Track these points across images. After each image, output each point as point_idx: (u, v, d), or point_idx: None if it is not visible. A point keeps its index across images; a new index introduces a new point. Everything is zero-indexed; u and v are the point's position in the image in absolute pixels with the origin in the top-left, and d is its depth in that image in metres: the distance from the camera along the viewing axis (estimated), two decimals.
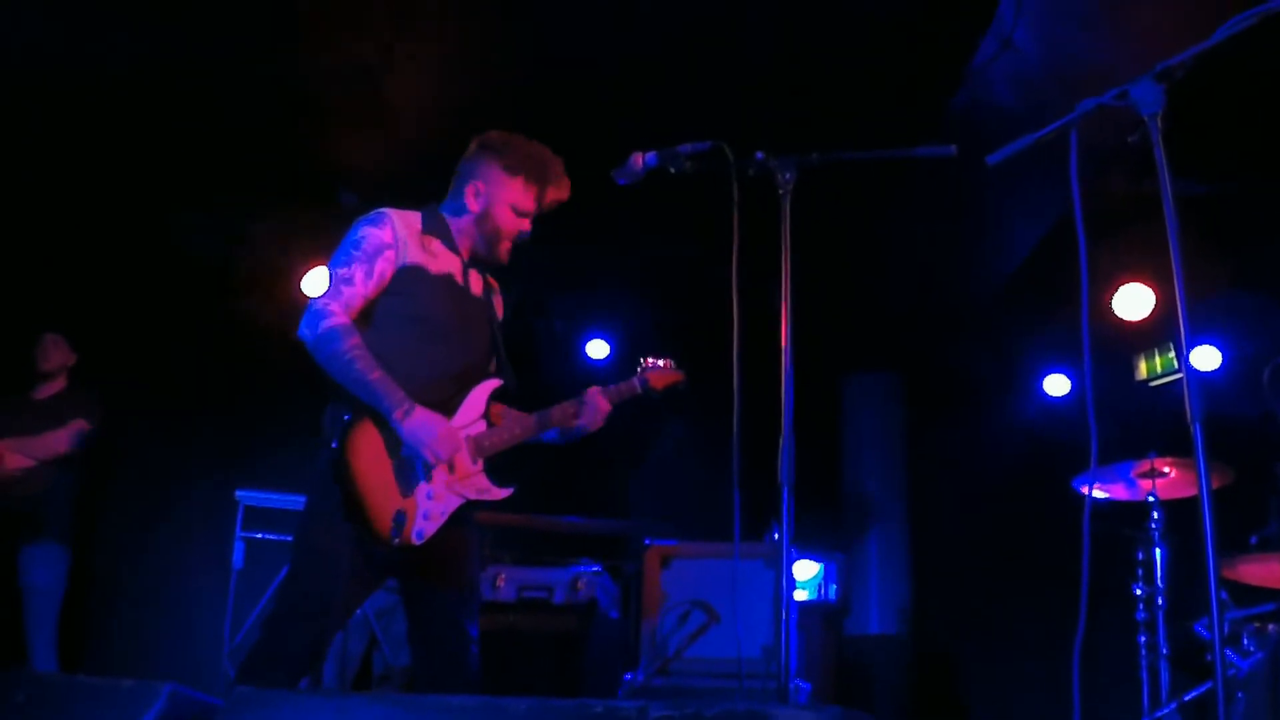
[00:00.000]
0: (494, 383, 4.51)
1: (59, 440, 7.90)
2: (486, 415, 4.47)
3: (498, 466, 4.47)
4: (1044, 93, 7.04)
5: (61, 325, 8.32)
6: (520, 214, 4.55)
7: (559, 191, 4.62)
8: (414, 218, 4.54)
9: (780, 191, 4.14)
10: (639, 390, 4.75)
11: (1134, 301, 9.48)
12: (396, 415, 4.15)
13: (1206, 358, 9.38)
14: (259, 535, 6.98)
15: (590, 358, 9.61)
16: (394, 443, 4.22)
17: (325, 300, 4.28)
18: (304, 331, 4.30)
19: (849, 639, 9.11)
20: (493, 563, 7.35)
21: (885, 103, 7.79)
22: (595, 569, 7.59)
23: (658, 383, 4.82)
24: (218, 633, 7.00)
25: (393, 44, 7.47)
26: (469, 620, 4.43)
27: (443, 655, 4.38)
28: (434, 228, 4.55)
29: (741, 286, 4.24)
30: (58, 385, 8.26)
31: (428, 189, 4.50)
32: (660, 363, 4.86)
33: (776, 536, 3.89)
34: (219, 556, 7.10)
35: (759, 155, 4.18)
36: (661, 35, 6.64)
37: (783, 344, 4.04)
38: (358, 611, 7.35)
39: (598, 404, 4.59)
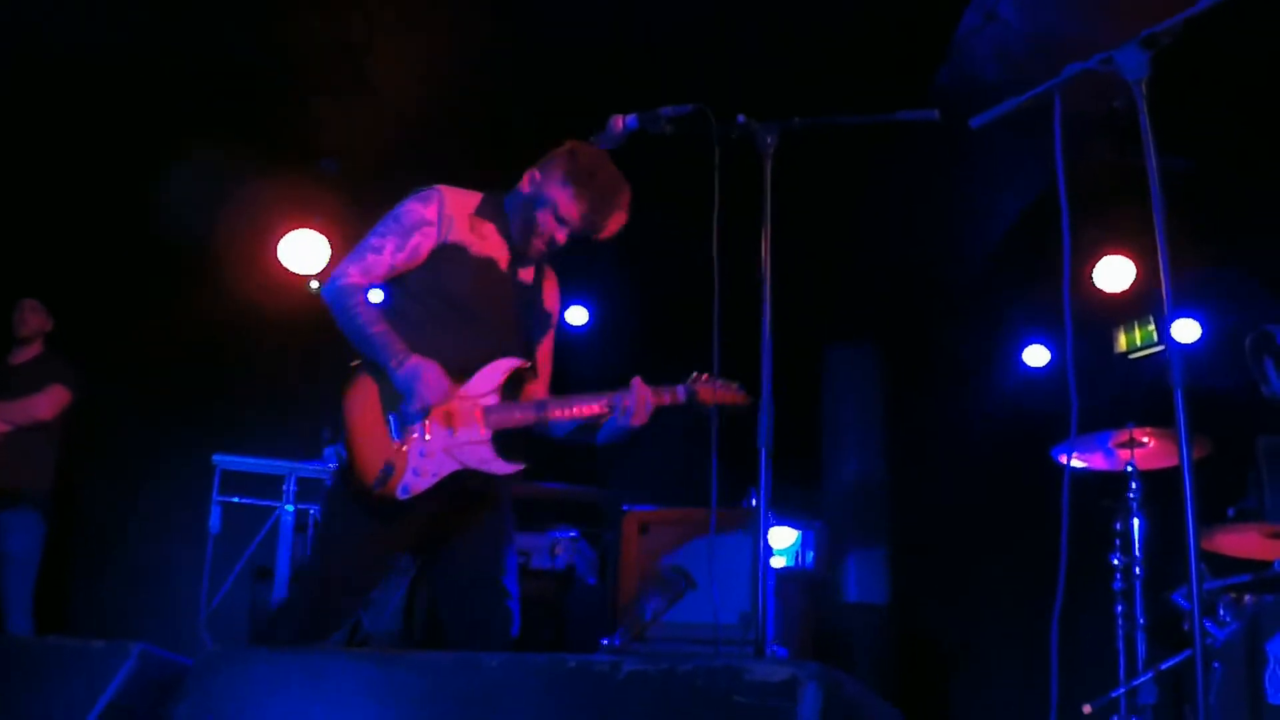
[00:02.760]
0: (515, 361, 4.45)
1: (36, 406, 7.87)
2: (506, 391, 4.42)
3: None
4: (1028, 65, 7.04)
5: (38, 290, 8.28)
6: (560, 220, 4.47)
7: (606, 220, 4.50)
8: (470, 199, 4.53)
9: (762, 156, 4.12)
10: (681, 400, 4.55)
11: (1114, 274, 9.52)
12: (392, 364, 4.18)
13: (1187, 330, 9.41)
14: (235, 500, 6.95)
15: (569, 324, 9.60)
16: (394, 396, 4.22)
17: (345, 264, 4.40)
18: (324, 293, 4.43)
19: (828, 606, 9.13)
20: None
21: (870, 73, 7.79)
22: (573, 535, 7.59)
23: (708, 397, 4.57)
24: (195, 597, 6.97)
25: (377, 12, 7.45)
26: (502, 563, 4.44)
27: (468, 602, 4.40)
28: (489, 213, 4.55)
29: (722, 252, 4.22)
30: (34, 350, 8.20)
31: (409, 158, 4.48)
32: (720, 380, 4.59)
33: (754, 503, 3.88)
34: (196, 521, 7.07)
35: (741, 119, 4.16)
36: (647, 3, 6.63)
37: (763, 312, 4.03)
38: None
39: (642, 393, 4.41)
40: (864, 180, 9.13)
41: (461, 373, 4.31)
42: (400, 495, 4.15)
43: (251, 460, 7.00)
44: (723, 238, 4.20)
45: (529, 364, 4.55)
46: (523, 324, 4.59)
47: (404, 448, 4.18)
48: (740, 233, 4.24)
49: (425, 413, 4.21)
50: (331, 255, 9.05)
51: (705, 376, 4.57)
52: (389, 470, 4.13)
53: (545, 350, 4.75)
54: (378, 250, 4.36)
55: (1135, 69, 3.20)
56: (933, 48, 7.54)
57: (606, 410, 4.41)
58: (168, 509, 8.65)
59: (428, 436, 4.22)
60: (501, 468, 4.32)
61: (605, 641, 6.70)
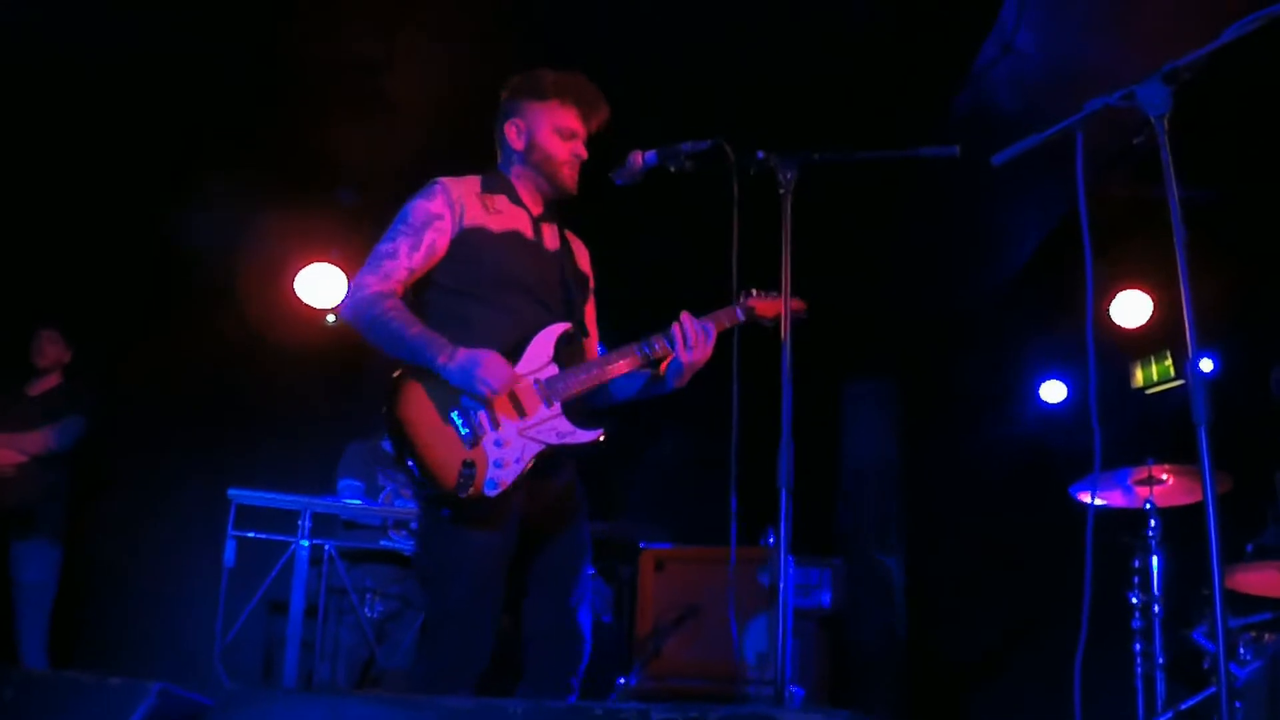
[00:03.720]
0: (561, 326, 4.31)
1: (53, 437, 7.86)
2: (563, 357, 4.28)
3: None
4: (1045, 96, 7.04)
5: (57, 321, 8.29)
6: (566, 135, 4.43)
7: (598, 106, 4.48)
8: (472, 181, 4.44)
9: (781, 191, 4.11)
10: (740, 319, 4.46)
11: (1131, 309, 9.51)
12: (440, 361, 4.03)
13: (1203, 364, 9.37)
14: (250, 534, 6.93)
15: None
16: (450, 395, 4.07)
17: (360, 276, 4.24)
18: (343, 311, 4.26)
19: (846, 645, 9.08)
20: None
21: (888, 105, 7.79)
22: (589, 572, 7.57)
23: (767, 310, 4.52)
24: (210, 631, 6.94)
25: (394, 40, 7.47)
26: (576, 583, 4.29)
27: (542, 627, 4.21)
28: (496, 186, 4.47)
29: (741, 287, 4.21)
30: (52, 381, 8.23)
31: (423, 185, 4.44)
32: (770, 292, 4.55)
33: (772, 541, 3.85)
34: (211, 555, 7.05)
35: (760, 154, 4.16)
36: (664, 31, 6.63)
37: (783, 347, 4.01)
38: (367, 613, 7.33)
39: (690, 329, 4.25)
40: (882, 213, 9.13)
41: (514, 351, 4.19)
42: (489, 492, 3.98)
43: (267, 495, 6.97)
44: (742, 271, 4.19)
45: (577, 327, 4.43)
46: (563, 289, 4.48)
47: (479, 444, 4.02)
48: (760, 267, 4.22)
49: (492, 401, 4.07)
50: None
51: (757, 291, 4.52)
52: (470, 469, 3.96)
53: (590, 315, 4.65)
54: (392, 255, 4.23)
55: (1158, 105, 3.19)
56: (950, 77, 7.54)
57: (667, 348, 4.28)
58: (182, 542, 8.65)
59: (499, 426, 4.07)
60: (583, 436, 4.17)
61: (622, 681, 6.67)
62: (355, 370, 9.36)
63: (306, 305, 9.06)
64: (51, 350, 8.22)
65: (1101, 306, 9.47)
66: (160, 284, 9.16)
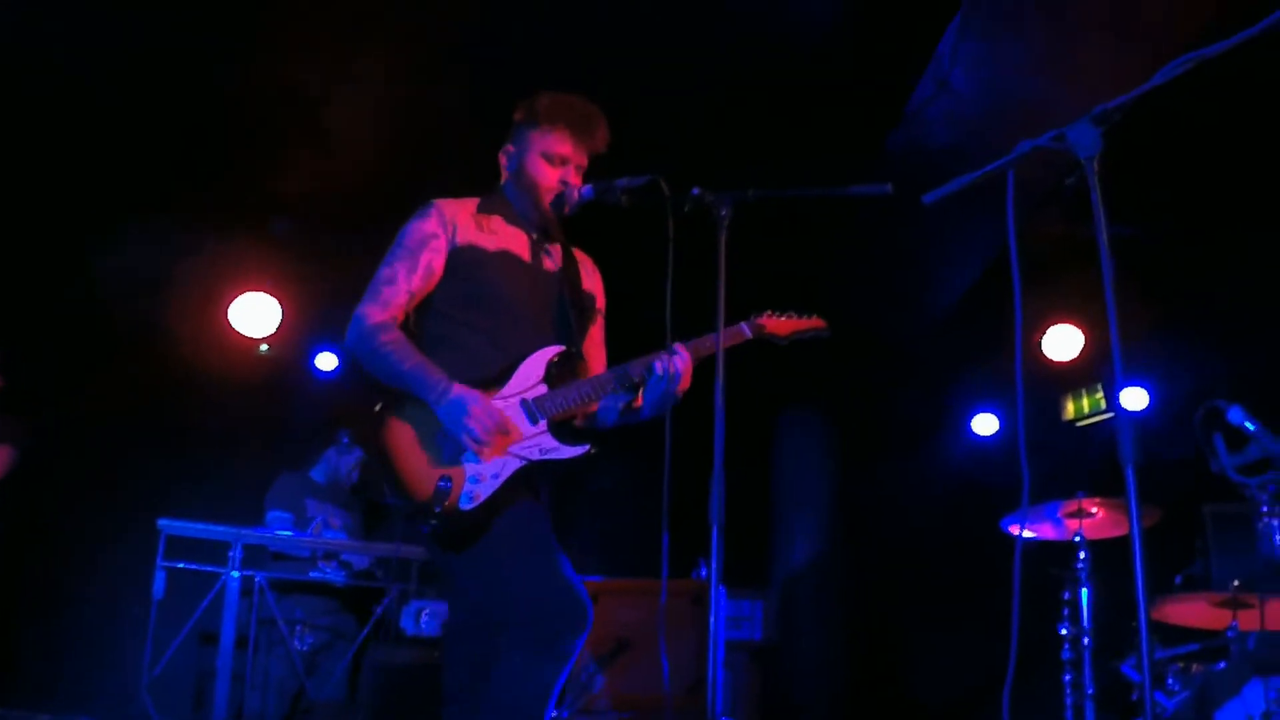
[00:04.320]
0: (554, 349, 4.30)
1: None
2: (550, 380, 4.26)
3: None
4: (980, 133, 7.11)
5: None
6: (555, 161, 4.41)
7: (595, 131, 4.47)
8: (469, 202, 4.45)
9: (717, 227, 4.12)
10: (748, 336, 4.49)
11: (1062, 342, 9.61)
12: (432, 399, 4.05)
13: (1136, 398, 9.49)
14: (180, 565, 6.89)
15: None
16: (431, 419, 4.07)
17: (362, 306, 4.23)
18: (347, 342, 4.25)
19: (778, 676, 9.10)
20: (416, 597, 7.30)
21: (824, 141, 7.84)
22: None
23: (781, 329, 4.59)
24: (138, 662, 6.89)
25: (329, 76, 7.47)
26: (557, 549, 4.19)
27: (538, 590, 4.06)
28: (493, 207, 4.48)
29: (675, 320, 4.22)
30: None
31: (361, 216, 4.45)
32: (786, 313, 4.64)
33: (704, 574, 3.86)
34: (140, 586, 7.00)
35: (695, 190, 4.15)
36: (601, 70, 6.66)
37: (716, 381, 4.03)
38: (296, 645, 7.29)
39: (679, 352, 4.29)
40: (817, 248, 9.18)
41: (504, 373, 4.20)
42: (464, 506, 3.97)
43: (198, 525, 6.94)
44: (676, 306, 4.21)
45: (573, 350, 4.41)
46: (558, 312, 4.48)
47: (458, 461, 4.03)
48: (695, 300, 4.24)
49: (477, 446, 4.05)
50: (283, 318, 9.03)
51: (770, 311, 4.57)
52: (446, 483, 3.96)
53: (595, 338, 4.64)
54: (391, 281, 4.23)
55: (1087, 146, 3.23)
56: (887, 114, 7.61)
57: (644, 374, 4.29)
58: (112, 573, 8.57)
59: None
60: (568, 452, 4.15)
61: (552, 713, 6.65)
62: (287, 400, 9.35)
63: (239, 335, 9.04)
64: None
65: (1033, 340, 9.57)
66: (93, 315, 9.09)
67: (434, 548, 4.15)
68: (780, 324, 4.59)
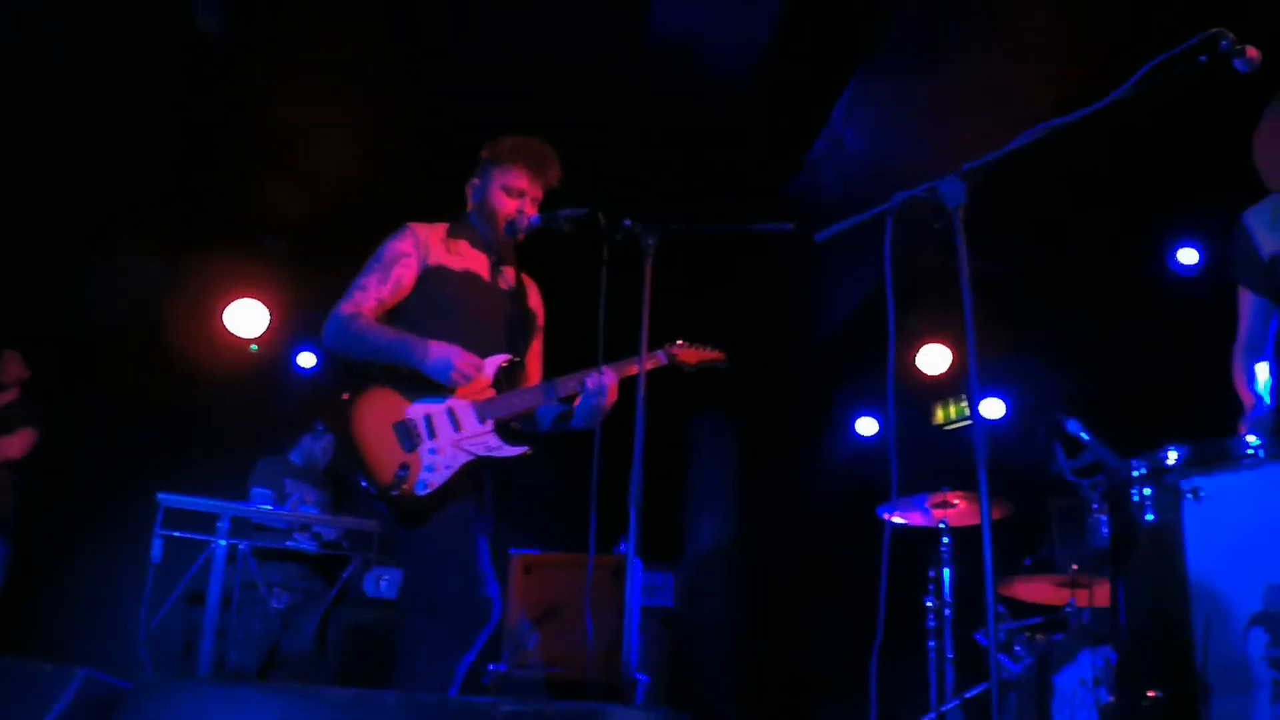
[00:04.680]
0: (503, 356, 4.32)
1: (8, 445, 7.78)
2: (498, 384, 4.29)
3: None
4: (866, 184, 7.16)
5: (16, 343, 8.21)
6: (512, 193, 4.45)
7: (549, 169, 4.52)
8: (440, 227, 4.46)
9: (643, 254, 4.16)
10: (664, 363, 4.51)
11: (934, 359, 9.67)
12: (417, 358, 4.10)
13: (994, 408, 9.57)
14: (175, 534, 6.85)
15: None
16: (397, 408, 4.11)
17: (337, 306, 4.24)
18: (325, 338, 4.25)
19: (686, 640, 9.10)
20: (377, 565, 7.30)
21: (737, 186, 7.89)
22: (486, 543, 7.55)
23: (690, 358, 4.62)
24: (136, 619, 6.84)
25: (317, 117, 7.46)
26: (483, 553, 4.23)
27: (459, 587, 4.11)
28: (460, 232, 4.49)
29: (607, 335, 4.25)
30: (11, 396, 8.10)
31: (340, 235, 4.45)
32: (696, 344, 4.68)
33: (624, 549, 3.89)
34: (140, 552, 6.95)
35: (626, 222, 4.19)
36: (553, 116, 6.71)
37: (639, 389, 4.07)
38: (274, 604, 7.24)
39: (605, 373, 4.32)
40: (729, 273, 9.21)
41: None
42: (419, 491, 4.00)
43: (191, 499, 6.89)
44: (608, 320, 4.24)
45: (519, 359, 4.45)
46: (509, 325, 4.50)
47: (415, 450, 4.05)
48: (623, 316, 4.26)
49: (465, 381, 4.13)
50: (271, 321, 9.03)
51: (682, 341, 4.58)
52: (405, 470, 3.98)
53: (535, 350, 4.66)
54: (363, 288, 4.26)
55: (954, 197, 3.29)
56: (789, 165, 7.65)
57: (574, 389, 4.33)
58: (116, 540, 8.49)
59: (435, 437, 4.10)
60: (509, 451, 4.19)
61: (492, 667, 6.64)
62: (271, 393, 9.31)
63: (233, 335, 9.05)
64: (12, 369, 8.13)
65: (908, 356, 9.63)
66: (106, 314, 9.01)
67: (390, 524, 4.15)
68: (690, 354, 4.63)
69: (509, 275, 4.58)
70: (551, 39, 6.81)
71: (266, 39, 6.89)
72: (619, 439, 4.02)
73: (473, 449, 4.15)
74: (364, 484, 4.02)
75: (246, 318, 9.05)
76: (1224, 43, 3.03)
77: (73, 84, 7.29)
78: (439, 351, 4.12)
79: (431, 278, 4.34)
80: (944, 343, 9.63)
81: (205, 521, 6.96)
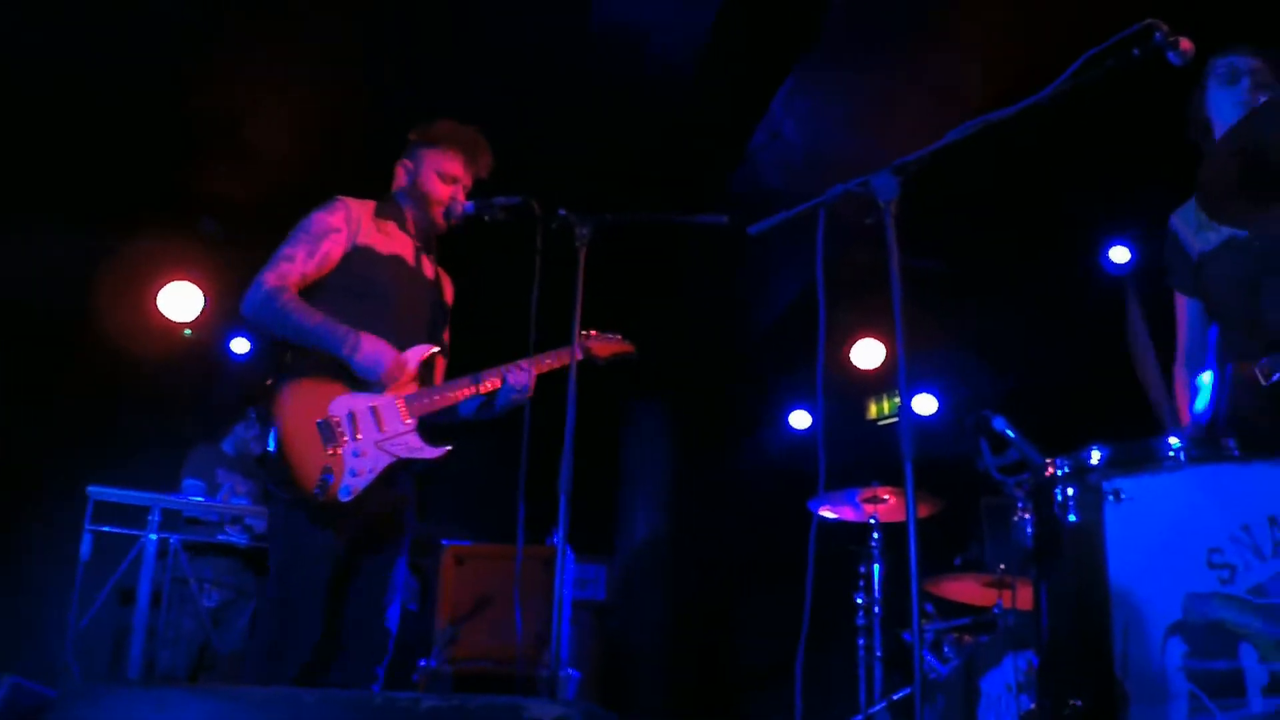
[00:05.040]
0: (426, 348, 4.26)
1: None
2: (422, 377, 4.25)
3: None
4: (805, 175, 7.17)
5: None
6: (446, 179, 4.40)
7: (481, 158, 4.48)
8: (368, 204, 4.37)
9: (577, 244, 4.14)
10: (579, 357, 4.38)
11: (868, 353, 9.71)
12: (345, 351, 3.99)
13: (926, 404, 9.62)
14: (105, 528, 6.74)
15: None
16: (320, 402, 3.99)
17: (261, 274, 4.11)
18: (244, 307, 4.10)
19: (617, 633, 9.11)
20: None
21: (679, 177, 7.88)
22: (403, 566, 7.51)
23: (602, 351, 4.58)
24: (63, 620, 6.72)
25: (254, 99, 7.41)
26: (391, 583, 4.23)
27: (359, 618, 4.12)
28: (388, 213, 4.40)
29: (540, 322, 4.23)
30: None
31: (276, 219, 4.38)
32: (607, 335, 4.64)
33: (556, 540, 3.86)
34: (66, 549, 6.83)
35: (561, 211, 4.18)
36: (492, 104, 6.67)
37: (570, 373, 4.05)
38: (205, 602, 7.15)
39: (524, 368, 4.31)
40: (665, 264, 9.20)
41: None
42: (343, 498, 3.89)
43: (123, 492, 6.78)
44: (541, 307, 4.21)
45: (439, 349, 4.39)
46: (432, 315, 4.45)
47: (338, 451, 3.93)
48: (557, 304, 4.24)
49: (382, 389, 4.06)
50: (206, 304, 8.92)
51: (594, 333, 4.54)
52: (328, 476, 3.86)
53: (444, 341, 4.58)
54: (290, 259, 4.13)
55: (886, 191, 3.28)
56: (729, 156, 7.65)
57: (497, 383, 4.29)
58: (42, 537, 8.37)
59: (358, 436, 3.99)
60: (431, 452, 4.11)
61: (423, 663, 6.60)
62: (205, 379, 9.21)
63: (166, 319, 8.89)
64: None
65: (843, 350, 9.66)
66: (31, 295, 8.90)
67: (276, 522, 4.11)
68: (601, 345, 4.59)
69: (429, 263, 4.52)
70: (494, 27, 6.76)
71: (211, 21, 6.80)
72: (551, 426, 3.98)
73: (395, 450, 4.06)
74: (283, 480, 3.93)
75: (180, 301, 8.88)
76: (1158, 34, 3.02)
77: (5, 55, 7.17)
78: (370, 347, 4.03)
79: (359, 257, 4.24)
80: (878, 338, 9.67)
81: (135, 516, 6.86)
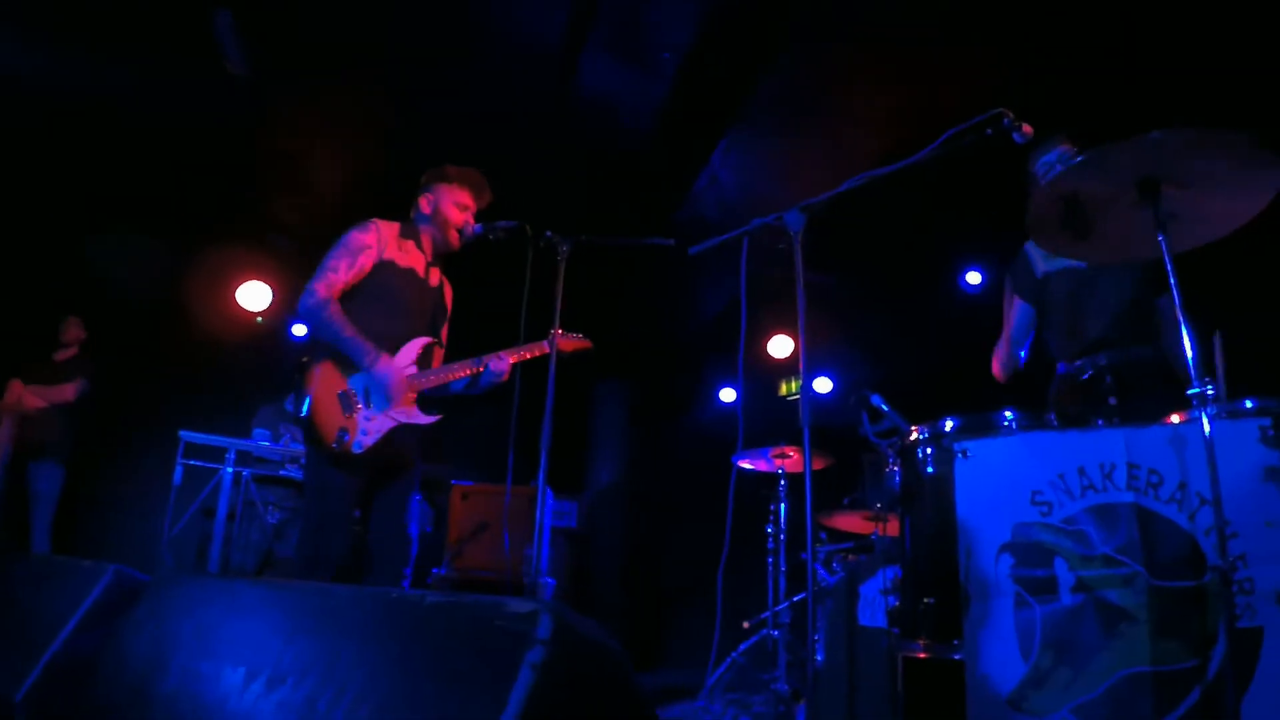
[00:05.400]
0: (426, 339, 4.25)
1: (65, 391, 7.71)
2: (420, 362, 4.22)
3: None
4: (738, 211, 7.17)
5: (78, 311, 8.14)
6: (462, 208, 4.41)
7: (485, 192, 4.49)
8: (394, 226, 4.36)
9: (559, 258, 4.15)
10: (547, 350, 4.37)
11: (780, 346, 9.72)
12: (367, 362, 4.01)
13: (823, 385, 9.65)
14: (193, 462, 6.77)
15: None
16: (341, 379, 4.02)
17: (313, 283, 4.10)
18: (299, 307, 4.11)
19: (586, 553, 9.11)
20: None
21: (637, 209, 7.88)
22: (418, 498, 7.50)
23: (566, 346, 4.53)
24: (160, 528, 6.76)
25: (315, 140, 7.40)
26: (407, 509, 4.22)
27: (383, 537, 4.13)
28: (408, 234, 4.38)
29: (528, 319, 4.24)
30: (71, 352, 8.02)
31: (328, 234, 4.36)
32: (572, 334, 4.58)
33: (537, 482, 3.88)
34: (164, 477, 6.86)
35: (548, 233, 4.18)
36: (495, 151, 6.66)
37: (550, 359, 4.08)
38: (268, 519, 7.12)
39: (503, 357, 4.32)
40: (626, 275, 9.20)
41: (392, 348, 4.12)
42: (356, 450, 3.94)
43: (205, 436, 6.79)
44: (530, 308, 4.22)
45: (436, 341, 4.39)
46: (434, 315, 4.43)
47: (353, 416, 3.97)
48: (542, 305, 4.25)
49: (385, 400, 4.06)
50: (273, 298, 8.95)
51: (560, 330, 4.51)
52: (344, 434, 3.92)
53: (444, 333, 4.59)
54: (335, 270, 4.12)
55: (795, 225, 3.31)
56: (679, 193, 7.65)
57: (481, 369, 4.29)
58: (147, 467, 8.38)
59: (370, 405, 4.03)
60: (424, 419, 4.15)
61: (436, 570, 6.61)
62: (271, 355, 9.17)
63: (243, 309, 8.95)
64: (74, 330, 8.05)
65: (762, 343, 9.68)
66: (149, 291, 8.97)
67: (318, 457, 4.06)
68: (567, 343, 4.55)
69: (436, 274, 4.50)
70: (497, 91, 6.74)
71: (280, 82, 6.76)
72: (536, 398, 4.00)
73: (397, 416, 4.10)
74: (310, 433, 3.96)
75: (254, 296, 8.96)
76: (1005, 120, 3.10)
77: (135, 112, 7.19)
78: (384, 367, 4.04)
79: (382, 269, 4.24)
80: (789, 334, 9.69)
81: (216, 453, 6.89)
